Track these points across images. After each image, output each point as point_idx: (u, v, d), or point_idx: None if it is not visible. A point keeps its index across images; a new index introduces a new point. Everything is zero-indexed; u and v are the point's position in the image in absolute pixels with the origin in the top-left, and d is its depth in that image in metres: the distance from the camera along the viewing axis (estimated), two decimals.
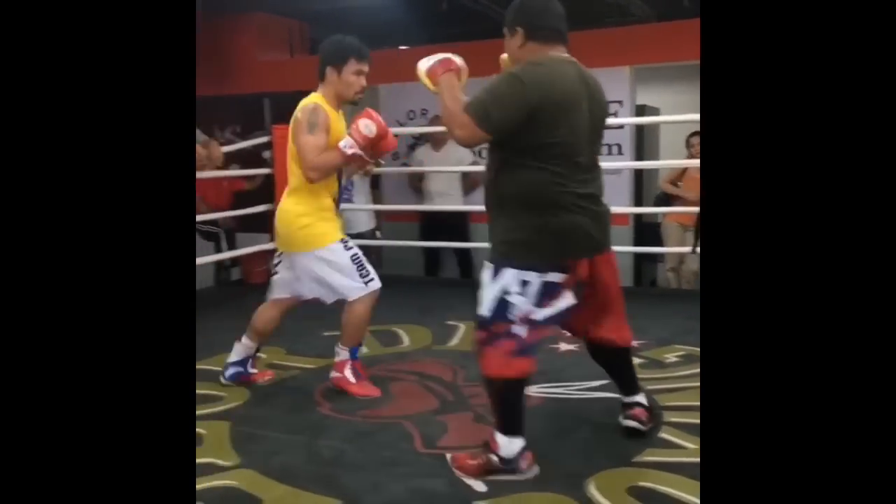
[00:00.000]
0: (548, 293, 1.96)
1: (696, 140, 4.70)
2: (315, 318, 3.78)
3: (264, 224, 4.95)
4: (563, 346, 3.25)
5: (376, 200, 5.56)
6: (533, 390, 2.67)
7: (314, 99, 2.57)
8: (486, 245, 5.06)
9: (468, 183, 5.18)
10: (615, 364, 2.30)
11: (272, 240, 4.88)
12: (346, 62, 2.54)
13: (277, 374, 2.98)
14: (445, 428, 2.39)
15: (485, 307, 1.98)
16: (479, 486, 1.98)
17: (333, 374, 2.73)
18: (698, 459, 2.08)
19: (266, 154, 4.86)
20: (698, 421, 2.33)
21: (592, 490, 1.94)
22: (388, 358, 3.19)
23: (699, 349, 3.00)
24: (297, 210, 2.60)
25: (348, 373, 2.70)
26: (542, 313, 1.97)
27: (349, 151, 2.48)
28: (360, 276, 2.60)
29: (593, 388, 2.66)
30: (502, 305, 1.95)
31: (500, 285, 1.96)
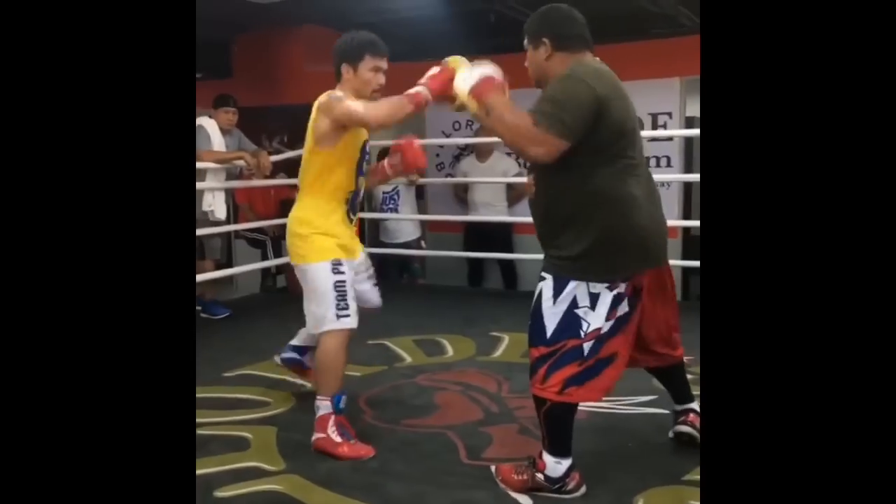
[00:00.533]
0: (616, 304, 1.87)
1: None
2: (360, 324, 3.81)
3: None
4: None
5: (421, 210, 5.58)
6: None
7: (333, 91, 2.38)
8: (530, 256, 5.01)
9: (513, 194, 5.16)
10: (667, 375, 2.24)
11: None
12: (362, 58, 2.37)
13: None
14: (490, 440, 2.37)
15: (548, 324, 1.87)
16: (524, 499, 1.96)
17: (315, 435, 2.29)
18: None
19: None
20: None
21: None
22: (433, 367, 3.18)
23: None
24: (300, 217, 2.41)
25: (332, 431, 2.27)
26: (607, 325, 1.86)
27: (423, 93, 2.16)
28: (336, 307, 2.30)
29: (641, 403, 2.61)
30: (571, 321, 1.85)
31: (567, 300, 1.85)
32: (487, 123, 1.94)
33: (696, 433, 2.19)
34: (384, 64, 2.40)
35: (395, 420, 2.55)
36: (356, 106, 2.26)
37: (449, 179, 5.55)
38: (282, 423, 2.54)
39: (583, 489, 1.97)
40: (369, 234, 5.63)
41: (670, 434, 2.29)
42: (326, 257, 2.33)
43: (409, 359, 3.32)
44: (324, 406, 2.31)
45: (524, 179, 5.38)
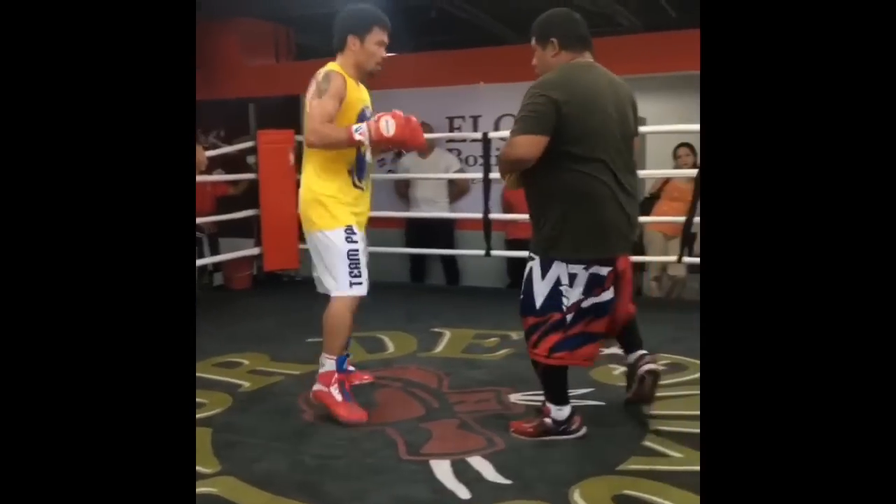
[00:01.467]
0: (594, 284, 2.17)
1: (683, 151, 4.72)
2: (300, 323, 3.76)
3: (248, 230, 4.92)
4: None
5: None
6: (517, 398, 2.67)
7: (330, 66, 2.47)
8: (472, 252, 5.05)
9: (455, 190, 5.18)
10: (623, 331, 2.44)
11: (256, 245, 4.87)
12: (370, 31, 2.45)
13: (262, 381, 2.95)
14: (430, 435, 2.37)
15: (537, 298, 2.20)
16: (462, 492, 1.97)
17: (317, 386, 2.49)
18: (683, 468, 2.09)
19: (251, 159, 4.83)
20: (683, 430, 2.33)
21: (577, 498, 1.93)
22: (373, 364, 3.16)
23: (684, 358, 3.00)
24: (315, 187, 2.48)
25: (335, 390, 2.46)
26: (588, 301, 2.18)
27: (357, 136, 2.37)
28: (350, 274, 2.44)
29: (578, 395, 2.65)
30: (555, 296, 2.18)
31: (552, 279, 2.18)
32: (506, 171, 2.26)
33: (660, 368, 2.41)
34: (387, 38, 2.51)
35: (334, 418, 2.53)
36: (317, 117, 2.37)
37: (390, 175, 5.52)
38: (217, 425, 2.48)
39: (584, 430, 2.30)
40: None
41: (635, 379, 2.38)
42: (340, 225, 2.44)
43: (349, 356, 3.29)
44: (329, 363, 2.46)
45: (466, 175, 5.40)
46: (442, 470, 2.10)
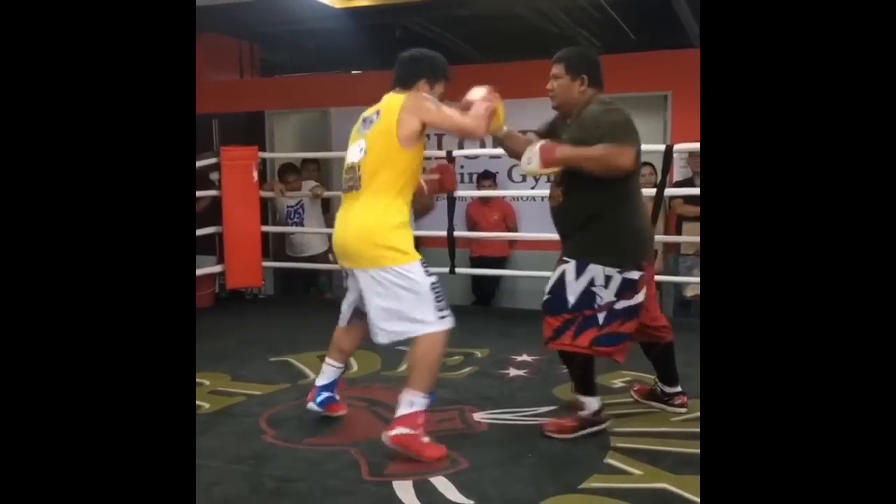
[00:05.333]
0: (626, 287, 2.34)
1: (647, 170, 4.81)
2: (262, 342, 3.72)
3: (211, 247, 4.86)
4: (512, 372, 3.25)
5: (327, 224, 5.51)
6: (481, 416, 2.67)
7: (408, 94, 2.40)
8: (435, 270, 5.04)
9: (418, 208, 5.17)
10: (661, 357, 2.68)
11: (219, 262, 4.81)
12: (438, 81, 2.46)
13: (222, 402, 2.90)
14: (393, 455, 2.35)
15: (570, 297, 2.34)
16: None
17: (399, 430, 2.27)
18: (643, 485, 2.11)
19: (214, 176, 4.78)
20: (644, 447, 2.36)
21: None
22: None
23: (644, 375, 3.03)
24: (381, 222, 2.32)
25: (420, 431, 2.28)
26: (620, 304, 2.34)
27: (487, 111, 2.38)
28: (437, 308, 2.30)
29: (542, 414, 2.66)
30: (588, 295, 2.33)
31: (586, 279, 2.33)
32: (574, 168, 2.31)
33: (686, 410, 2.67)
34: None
35: (297, 439, 2.49)
36: (454, 114, 2.36)
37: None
38: None
39: (609, 421, 2.49)
40: (274, 247, 5.51)
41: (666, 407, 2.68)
42: (416, 258, 2.34)
43: (312, 375, 3.25)
44: (419, 402, 2.29)
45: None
46: (405, 491, 2.08)
